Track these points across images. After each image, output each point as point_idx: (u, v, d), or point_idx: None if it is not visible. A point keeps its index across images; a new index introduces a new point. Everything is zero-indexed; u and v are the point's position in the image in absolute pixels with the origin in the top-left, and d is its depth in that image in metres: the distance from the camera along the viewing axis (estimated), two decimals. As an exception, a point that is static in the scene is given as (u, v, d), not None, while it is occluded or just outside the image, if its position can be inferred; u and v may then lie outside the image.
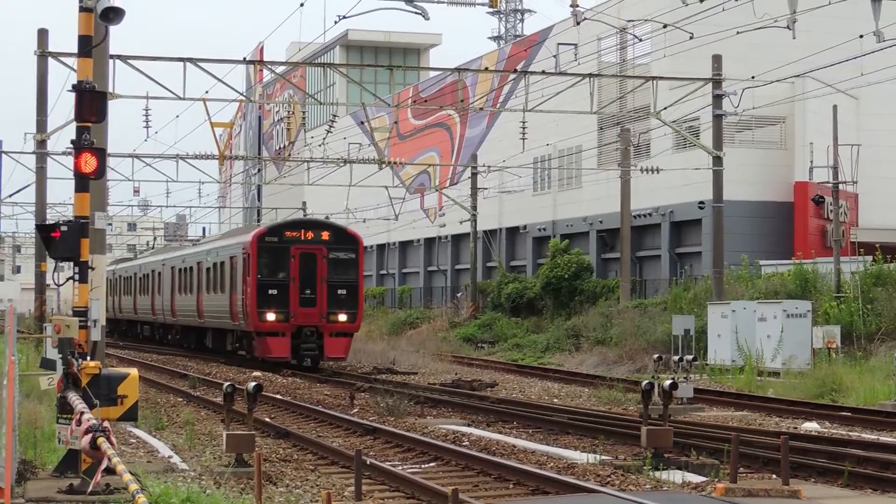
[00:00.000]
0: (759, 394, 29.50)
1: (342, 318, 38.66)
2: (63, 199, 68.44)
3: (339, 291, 38.76)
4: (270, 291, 38.40)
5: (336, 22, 34.31)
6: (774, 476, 16.64)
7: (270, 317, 38.22)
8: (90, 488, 12.76)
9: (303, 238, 38.98)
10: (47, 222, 25.71)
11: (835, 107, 40.68)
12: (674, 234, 51.84)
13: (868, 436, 21.40)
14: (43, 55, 36.37)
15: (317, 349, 38.58)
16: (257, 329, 38.46)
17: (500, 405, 26.91)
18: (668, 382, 18.01)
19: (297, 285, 38.49)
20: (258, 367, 38.66)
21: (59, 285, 18.73)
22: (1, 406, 13.17)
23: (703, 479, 16.29)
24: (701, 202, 47.27)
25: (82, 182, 16.24)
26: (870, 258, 39.85)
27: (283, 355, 38.37)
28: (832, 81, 44.86)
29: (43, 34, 36.70)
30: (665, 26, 36.67)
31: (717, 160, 38.93)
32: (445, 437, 21.13)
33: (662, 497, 14.69)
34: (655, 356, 29.39)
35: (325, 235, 39.34)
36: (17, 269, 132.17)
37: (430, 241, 74.39)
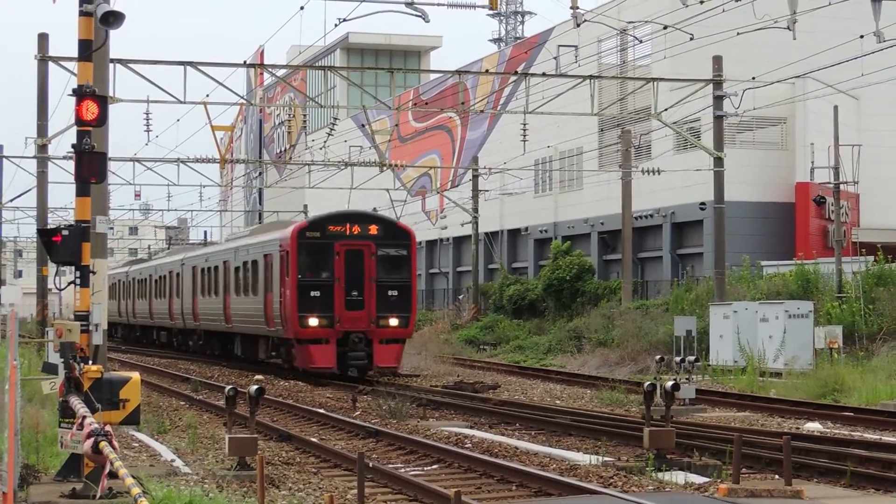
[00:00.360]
0: (761, 394, 29.50)
1: (393, 322, 34.83)
2: (64, 204, 68.51)
3: (390, 292, 34.92)
4: (312, 293, 34.45)
5: (336, 25, 34.16)
6: (777, 476, 16.65)
7: (313, 322, 34.24)
8: (98, 494, 12.76)
9: (348, 233, 35.14)
10: (48, 227, 25.73)
11: (835, 107, 40.69)
12: (675, 235, 51.84)
13: (870, 436, 21.40)
14: (43, 59, 36.38)
15: (365, 358, 34.56)
16: (298, 336, 34.48)
17: (503, 407, 26.92)
18: (670, 383, 18.01)
19: (342, 286, 34.60)
20: (299, 377, 35.74)
21: (60, 289, 18.75)
22: (3, 410, 13.18)
23: (706, 479, 16.30)
24: (702, 203, 47.27)
25: (83, 186, 16.25)
26: (871, 258, 39.85)
27: (327, 365, 34.29)
28: (833, 82, 44.87)
29: (43, 38, 36.71)
30: (665, 28, 36.68)
31: (718, 161, 38.93)
32: (448, 439, 21.14)
33: (665, 498, 14.70)
34: (657, 357, 29.41)
35: (374, 230, 35.43)
36: (18, 274, 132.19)
37: (431, 244, 74.42)
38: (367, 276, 34.93)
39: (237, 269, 40.89)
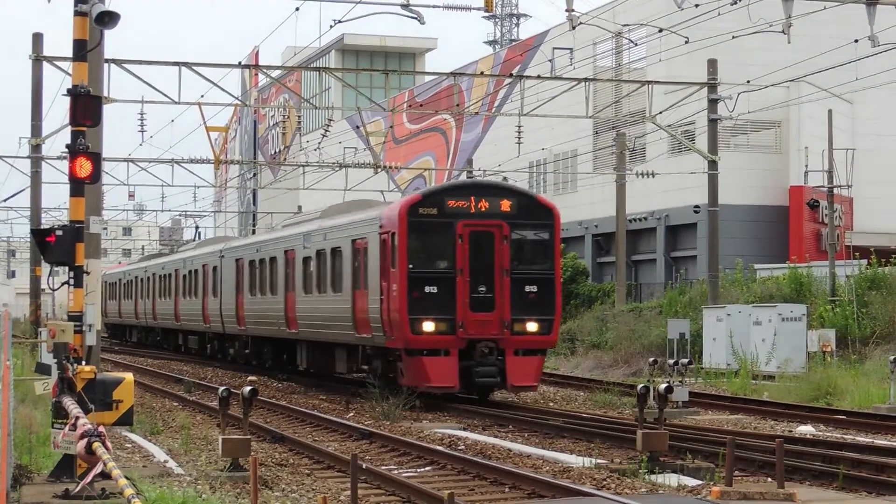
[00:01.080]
0: (754, 397, 29.53)
1: (532, 327, 27.27)
2: (58, 204, 68.38)
3: (528, 288, 27.34)
4: (427, 289, 26.81)
5: (331, 26, 34.12)
6: (770, 479, 16.67)
7: (428, 327, 26.67)
8: (78, 489, 12.77)
9: (474, 210, 27.34)
10: (42, 227, 25.73)
11: (830, 111, 40.79)
12: (669, 238, 51.89)
13: (863, 439, 21.43)
14: (38, 59, 36.33)
15: (497, 374, 26.97)
16: (408, 345, 26.75)
17: (496, 409, 26.91)
18: (663, 386, 18.03)
19: (466, 279, 26.98)
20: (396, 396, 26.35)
21: (54, 290, 18.72)
22: (-4, 411, 13.16)
23: (699, 482, 16.32)
24: (696, 206, 47.32)
25: (77, 186, 16.25)
26: (864, 262, 39.94)
27: (447, 384, 26.72)
28: (827, 86, 44.92)
29: (38, 38, 36.67)
30: (660, 31, 36.71)
31: (713, 164, 38.99)
32: (441, 441, 21.14)
33: (658, 500, 14.73)
34: (651, 360, 29.47)
35: (507, 206, 27.57)
36: (11, 274, 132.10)
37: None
38: (498, 266, 27.30)
39: (307, 259, 33.54)
